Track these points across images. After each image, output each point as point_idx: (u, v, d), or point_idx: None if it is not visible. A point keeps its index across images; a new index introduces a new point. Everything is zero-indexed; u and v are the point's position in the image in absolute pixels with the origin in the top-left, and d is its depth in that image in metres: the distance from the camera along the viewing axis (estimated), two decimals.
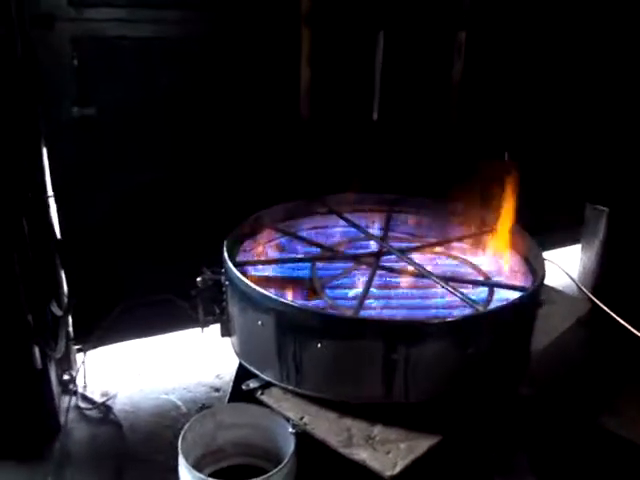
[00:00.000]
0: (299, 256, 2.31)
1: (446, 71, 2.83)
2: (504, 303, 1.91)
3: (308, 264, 2.21)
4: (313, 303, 1.98)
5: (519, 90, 3.09)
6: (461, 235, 2.45)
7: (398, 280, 2.15)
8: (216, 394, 2.50)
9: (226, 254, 2.01)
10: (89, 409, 2.38)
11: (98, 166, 2.31)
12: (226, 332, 2.09)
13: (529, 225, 2.29)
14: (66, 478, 2.07)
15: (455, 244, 2.43)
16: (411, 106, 2.82)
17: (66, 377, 2.46)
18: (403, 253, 2.27)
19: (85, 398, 2.42)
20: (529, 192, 2.25)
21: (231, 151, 2.54)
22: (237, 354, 2.05)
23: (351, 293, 2.06)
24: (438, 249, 2.40)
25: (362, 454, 1.65)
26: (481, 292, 2.07)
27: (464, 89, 2.87)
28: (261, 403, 1.87)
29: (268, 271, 2.17)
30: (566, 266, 2.46)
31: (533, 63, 3.07)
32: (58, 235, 2.32)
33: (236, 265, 1.98)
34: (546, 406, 2.23)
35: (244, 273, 1.96)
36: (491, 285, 2.11)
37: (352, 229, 2.47)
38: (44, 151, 2.22)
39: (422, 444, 1.69)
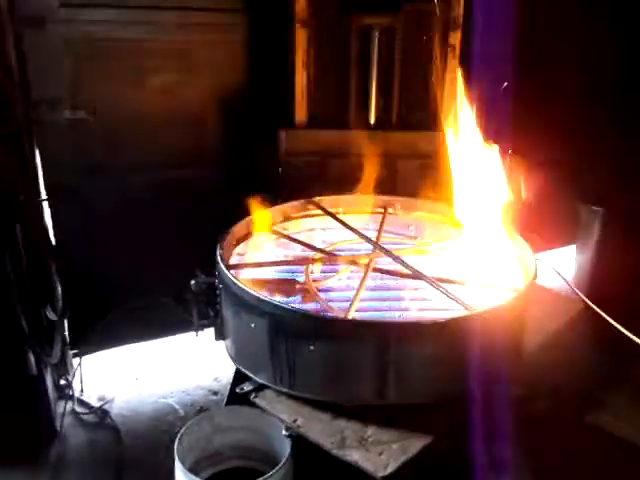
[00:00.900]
0: (293, 258, 2.32)
1: None
2: (496, 304, 1.91)
3: (302, 266, 2.21)
4: (307, 305, 1.98)
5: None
6: (454, 236, 2.45)
7: (391, 282, 2.16)
8: (214, 397, 2.50)
9: (219, 257, 2.01)
10: (86, 414, 2.38)
11: (92, 168, 2.32)
12: (220, 335, 2.09)
13: (523, 226, 2.29)
14: None
15: (448, 245, 2.43)
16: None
17: (63, 382, 2.45)
18: (396, 255, 2.27)
19: (82, 403, 2.42)
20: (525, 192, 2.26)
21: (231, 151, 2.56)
22: (231, 357, 2.05)
23: (345, 295, 2.06)
24: (431, 250, 2.41)
25: (355, 455, 1.66)
26: (473, 293, 2.07)
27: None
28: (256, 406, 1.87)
29: (262, 274, 2.17)
30: (560, 267, 2.46)
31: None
32: (52, 239, 2.32)
33: (229, 268, 1.98)
34: (539, 405, 2.24)
35: (237, 276, 1.96)
36: (483, 286, 2.11)
37: (346, 231, 2.48)
38: (37, 154, 2.22)
39: (414, 445, 1.69)
